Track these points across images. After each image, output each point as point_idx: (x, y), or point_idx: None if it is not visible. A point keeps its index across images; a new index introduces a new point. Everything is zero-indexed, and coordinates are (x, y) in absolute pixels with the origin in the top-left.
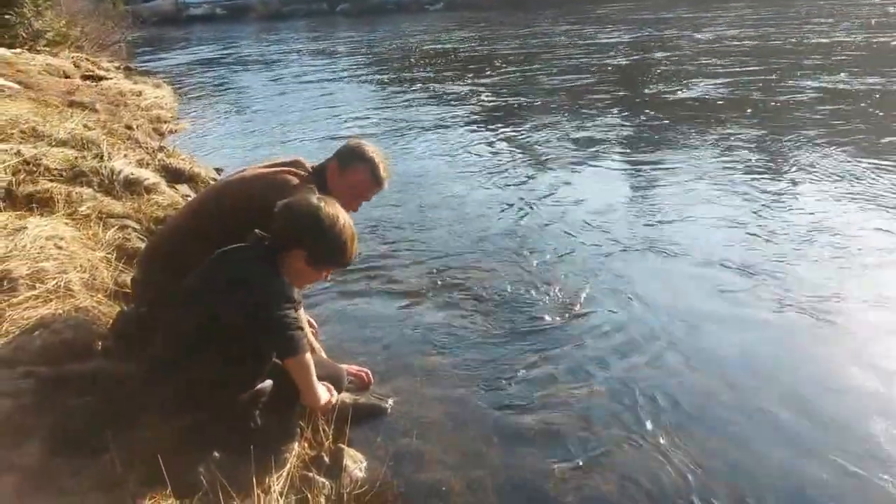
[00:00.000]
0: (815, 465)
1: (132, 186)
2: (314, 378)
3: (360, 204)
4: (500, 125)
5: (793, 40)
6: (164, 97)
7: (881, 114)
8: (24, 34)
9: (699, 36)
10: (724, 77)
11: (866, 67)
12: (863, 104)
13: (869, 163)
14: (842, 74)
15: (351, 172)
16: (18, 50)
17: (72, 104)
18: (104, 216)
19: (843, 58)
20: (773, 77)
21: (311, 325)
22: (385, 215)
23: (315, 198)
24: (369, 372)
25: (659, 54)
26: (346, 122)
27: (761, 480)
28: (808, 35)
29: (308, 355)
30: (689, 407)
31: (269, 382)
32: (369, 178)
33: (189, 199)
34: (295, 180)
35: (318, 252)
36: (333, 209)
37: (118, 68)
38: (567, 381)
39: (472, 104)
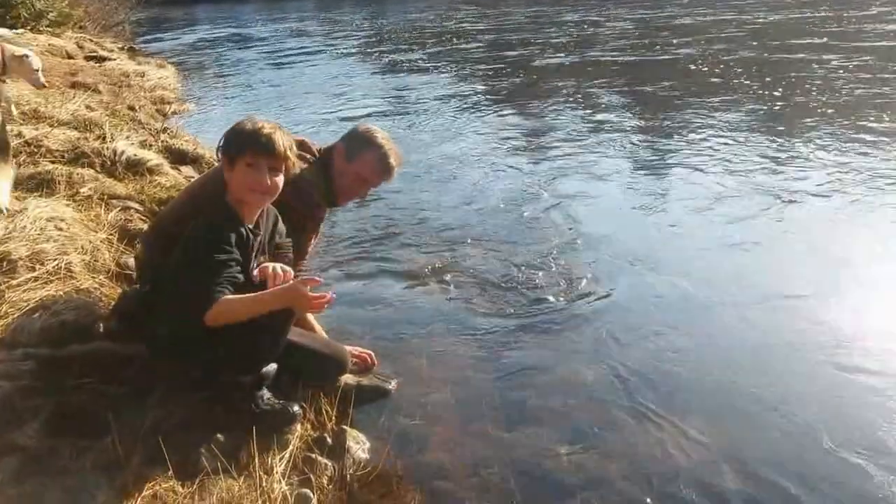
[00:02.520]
0: (823, 450)
1: (135, 168)
2: (253, 300)
3: (367, 191)
4: (502, 105)
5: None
6: (167, 78)
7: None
8: (26, 14)
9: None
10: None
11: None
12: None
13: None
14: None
15: (359, 159)
16: (21, 30)
17: (74, 85)
18: (106, 197)
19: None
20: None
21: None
22: (388, 196)
23: None
24: (372, 354)
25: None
26: (351, 101)
27: (771, 463)
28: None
29: (226, 299)
30: (698, 388)
31: (273, 366)
32: (377, 166)
33: (192, 179)
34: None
35: (229, 142)
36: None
37: (122, 49)
38: (573, 363)
39: (475, 84)
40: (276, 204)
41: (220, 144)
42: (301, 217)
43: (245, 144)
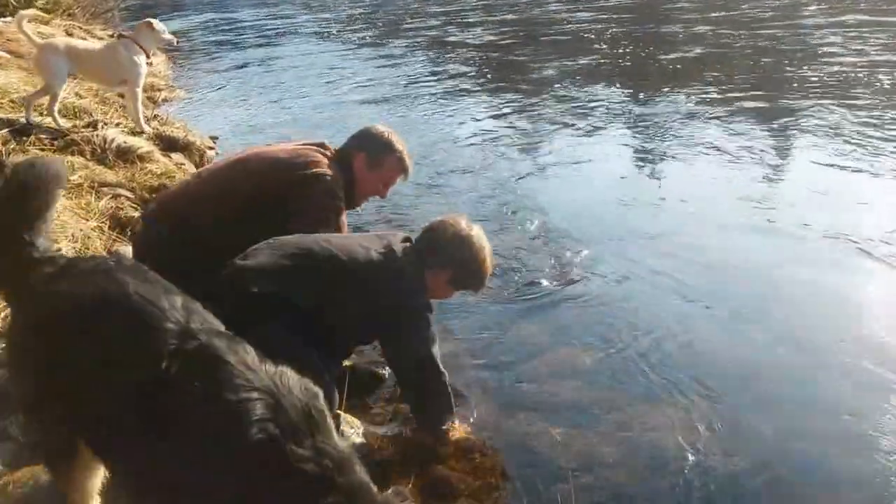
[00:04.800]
0: (816, 427)
1: (125, 155)
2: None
3: (388, 190)
4: (497, 89)
5: None
6: (157, 65)
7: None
8: (13, 2)
9: None
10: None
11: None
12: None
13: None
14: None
15: (384, 165)
16: (8, 18)
17: None
18: (97, 185)
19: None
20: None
21: None
22: None
23: (465, 222)
24: None
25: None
26: (342, 88)
27: (765, 445)
28: None
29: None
30: (692, 370)
31: None
32: (398, 168)
33: (207, 166)
34: (319, 156)
35: (464, 277)
36: (480, 238)
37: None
38: (565, 346)
39: (467, 68)
40: (306, 206)
41: (453, 256)
42: (333, 213)
43: (477, 286)
